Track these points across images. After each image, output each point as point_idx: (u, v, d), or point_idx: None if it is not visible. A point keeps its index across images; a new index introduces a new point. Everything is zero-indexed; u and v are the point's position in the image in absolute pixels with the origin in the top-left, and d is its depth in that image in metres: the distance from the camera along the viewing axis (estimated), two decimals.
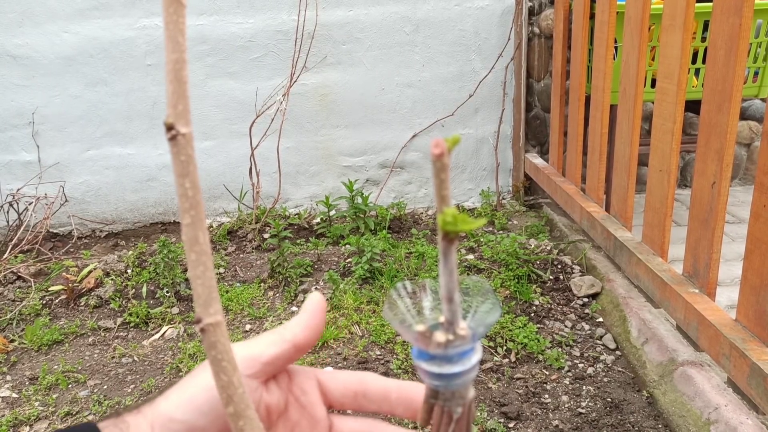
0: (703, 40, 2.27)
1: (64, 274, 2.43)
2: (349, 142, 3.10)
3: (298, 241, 2.75)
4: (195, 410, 0.34)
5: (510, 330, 1.96)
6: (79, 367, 1.95)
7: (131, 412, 0.35)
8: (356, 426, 0.38)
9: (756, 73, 2.40)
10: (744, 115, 3.21)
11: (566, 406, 1.67)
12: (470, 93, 3.04)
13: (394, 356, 1.88)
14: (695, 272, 1.68)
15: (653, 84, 2.34)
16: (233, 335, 2.02)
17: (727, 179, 1.53)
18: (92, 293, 2.34)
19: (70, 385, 1.86)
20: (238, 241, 2.82)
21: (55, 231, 3.08)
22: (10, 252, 2.69)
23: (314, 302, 0.38)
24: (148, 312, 2.19)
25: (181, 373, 1.89)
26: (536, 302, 2.14)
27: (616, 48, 2.31)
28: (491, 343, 1.92)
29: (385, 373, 1.78)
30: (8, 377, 1.92)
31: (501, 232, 2.76)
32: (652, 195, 1.88)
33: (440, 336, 0.31)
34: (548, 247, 2.47)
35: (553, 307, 2.13)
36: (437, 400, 0.33)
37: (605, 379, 1.77)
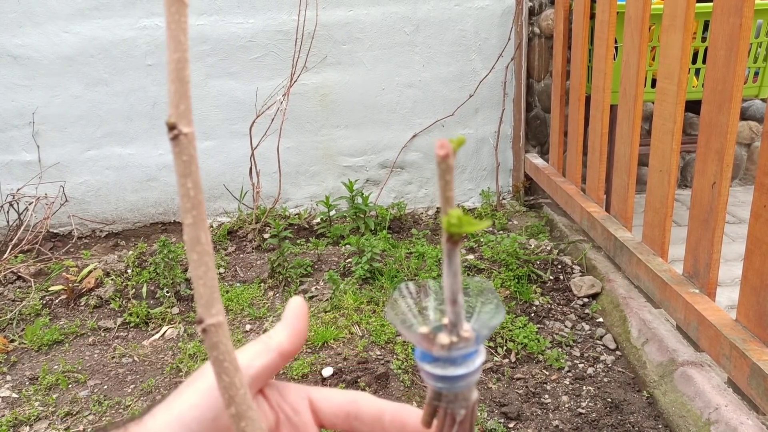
0: (703, 40, 2.27)
1: (64, 274, 2.43)
2: (349, 142, 3.09)
3: (298, 241, 2.75)
4: (183, 428, 0.33)
5: (510, 330, 1.96)
6: (79, 367, 1.95)
7: (118, 429, 0.35)
8: None
9: (756, 73, 2.40)
10: (744, 115, 3.21)
11: (566, 406, 1.67)
12: (470, 93, 3.04)
13: (394, 356, 1.88)
14: (695, 272, 1.68)
15: (653, 84, 2.33)
16: (233, 335, 2.02)
17: (727, 179, 1.53)
18: (92, 293, 2.34)
19: (70, 385, 1.86)
20: (238, 241, 2.81)
21: (55, 231, 3.07)
22: (10, 252, 2.69)
23: (296, 306, 0.38)
24: (148, 312, 2.18)
25: (181, 374, 1.89)
26: (536, 302, 2.14)
27: (616, 48, 2.31)
28: (491, 343, 1.92)
29: (385, 373, 1.78)
30: (8, 377, 1.92)
31: (501, 232, 2.76)
32: (652, 195, 1.88)
33: (444, 338, 0.30)
34: (548, 248, 2.47)
35: (553, 307, 2.13)
36: (440, 402, 0.32)
37: (605, 380, 1.77)
